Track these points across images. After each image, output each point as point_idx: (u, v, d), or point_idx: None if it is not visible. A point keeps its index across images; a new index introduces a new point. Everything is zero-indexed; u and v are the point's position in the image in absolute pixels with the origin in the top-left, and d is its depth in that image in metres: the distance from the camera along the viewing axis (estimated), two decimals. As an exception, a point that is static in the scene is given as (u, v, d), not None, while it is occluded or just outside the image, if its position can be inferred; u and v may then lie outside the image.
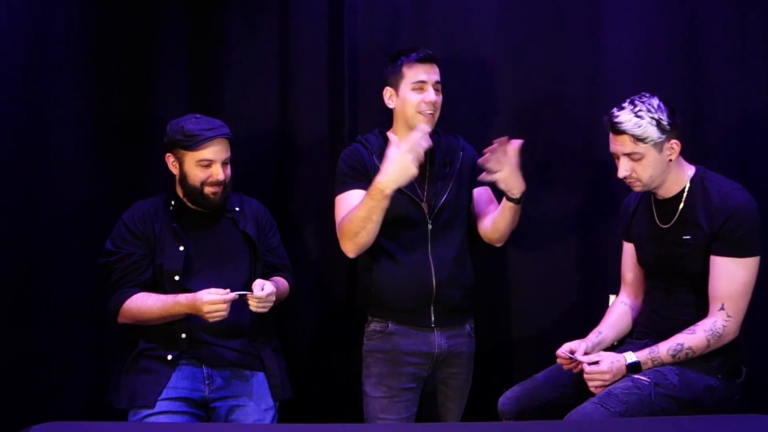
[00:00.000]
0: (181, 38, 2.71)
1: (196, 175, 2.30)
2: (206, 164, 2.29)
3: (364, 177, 2.34)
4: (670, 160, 2.11)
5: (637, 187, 2.15)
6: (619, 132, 2.08)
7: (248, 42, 2.72)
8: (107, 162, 2.66)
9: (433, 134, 2.43)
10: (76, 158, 2.61)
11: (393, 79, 2.37)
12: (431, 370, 2.38)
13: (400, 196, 2.30)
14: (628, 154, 2.09)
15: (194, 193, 2.31)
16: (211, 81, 2.73)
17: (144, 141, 2.69)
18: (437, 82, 2.35)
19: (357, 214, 2.21)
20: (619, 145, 2.10)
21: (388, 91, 2.38)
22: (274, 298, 2.25)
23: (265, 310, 2.22)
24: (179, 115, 2.40)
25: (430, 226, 2.33)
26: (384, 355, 2.35)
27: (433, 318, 2.34)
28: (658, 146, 2.08)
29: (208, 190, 2.30)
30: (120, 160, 2.68)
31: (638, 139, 2.07)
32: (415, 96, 2.33)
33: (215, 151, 2.29)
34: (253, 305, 2.20)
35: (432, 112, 2.34)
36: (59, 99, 2.56)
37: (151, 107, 2.70)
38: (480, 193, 2.44)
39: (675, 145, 2.10)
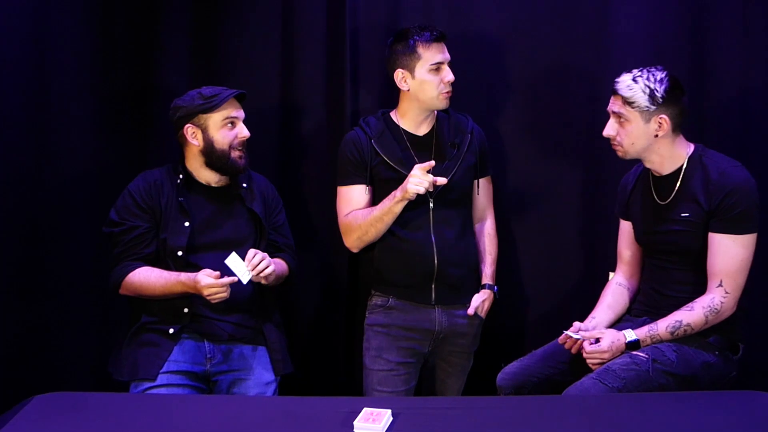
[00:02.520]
0: (185, 13, 2.70)
1: (224, 137, 2.29)
2: (231, 122, 2.30)
3: (363, 167, 2.36)
4: (656, 136, 2.11)
5: (618, 152, 2.18)
6: (614, 91, 2.13)
7: (250, 18, 2.71)
8: (112, 133, 2.67)
9: (443, 113, 2.43)
10: (81, 130, 2.61)
11: (406, 60, 2.31)
12: (432, 346, 2.40)
13: (400, 180, 2.31)
14: (616, 114, 2.13)
15: (222, 159, 2.30)
16: (214, 56, 2.73)
17: (148, 112, 2.70)
18: (450, 60, 2.33)
19: (371, 215, 2.29)
20: (612, 103, 2.15)
21: (400, 73, 2.33)
22: (267, 263, 2.21)
23: (264, 273, 2.20)
24: (180, 86, 2.39)
25: (431, 205, 2.33)
26: (383, 329, 2.38)
27: (434, 295, 2.35)
28: (645, 116, 2.09)
29: (235, 154, 2.31)
30: (124, 131, 2.69)
31: (626, 101, 2.10)
32: (433, 78, 2.30)
33: (237, 108, 2.32)
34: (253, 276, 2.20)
35: (450, 91, 2.34)
36: (64, 71, 2.56)
37: (153, 80, 2.70)
38: (480, 185, 2.45)
39: (663, 121, 2.10)
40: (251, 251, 2.21)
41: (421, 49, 2.30)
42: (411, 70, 2.32)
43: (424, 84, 2.32)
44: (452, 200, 2.36)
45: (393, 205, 2.26)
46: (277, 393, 2.34)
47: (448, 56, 2.33)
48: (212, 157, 2.31)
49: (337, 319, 2.72)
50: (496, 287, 2.45)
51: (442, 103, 2.35)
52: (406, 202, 2.25)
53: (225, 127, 2.29)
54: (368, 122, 2.42)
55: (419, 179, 2.20)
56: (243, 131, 2.32)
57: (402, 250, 2.34)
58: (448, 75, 2.31)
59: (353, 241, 2.36)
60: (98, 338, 2.63)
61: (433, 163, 2.24)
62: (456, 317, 2.39)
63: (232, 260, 2.18)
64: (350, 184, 2.38)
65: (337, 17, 2.66)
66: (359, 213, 2.33)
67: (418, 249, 2.33)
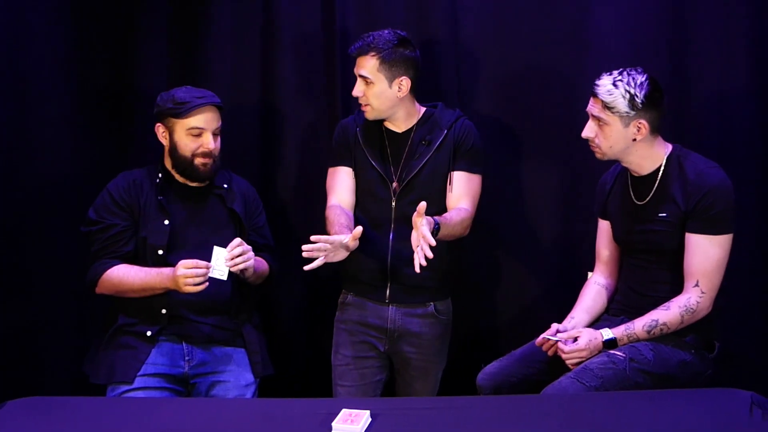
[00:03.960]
0: (164, 10, 2.69)
1: (186, 144, 2.28)
2: (197, 133, 2.28)
3: (348, 152, 2.39)
4: (635, 140, 2.13)
5: (597, 153, 2.19)
6: (594, 94, 2.13)
7: (232, 14, 2.70)
8: (90, 133, 2.65)
9: (432, 108, 2.44)
10: (59, 130, 2.60)
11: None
12: (389, 344, 2.40)
13: (371, 171, 2.34)
14: (596, 117, 2.14)
15: (184, 164, 2.30)
16: (194, 56, 2.72)
17: (126, 112, 2.68)
18: (361, 76, 2.31)
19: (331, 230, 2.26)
20: (591, 105, 2.16)
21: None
22: (248, 253, 2.19)
23: (241, 263, 2.17)
24: (160, 85, 2.38)
25: (393, 204, 2.34)
26: (342, 325, 2.43)
27: (388, 293, 2.37)
28: (624, 120, 2.11)
29: (198, 161, 2.29)
30: (102, 131, 2.68)
31: (606, 105, 2.11)
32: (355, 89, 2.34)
33: (206, 119, 2.29)
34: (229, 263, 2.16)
35: (362, 104, 2.34)
36: (41, 71, 2.55)
37: (132, 79, 2.69)
38: (452, 179, 2.39)
39: (642, 125, 2.11)
40: (237, 240, 2.19)
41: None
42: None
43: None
44: (416, 198, 2.31)
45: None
46: (256, 395, 2.33)
47: (359, 70, 2.31)
48: (176, 160, 2.32)
49: (317, 320, 2.72)
50: (438, 222, 2.15)
51: (368, 115, 2.36)
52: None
53: (189, 135, 2.28)
54: (359, 111, 2.44)
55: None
56: (208, 143, 2.28)
57: (361, 247, 2.32)
58: (355, 90, 2.32)
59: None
60: (77, 340, 2.61)
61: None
62: (412, 316, 2.39)
63: (217, 252, 2.15)
64: (337, 165, 2.41)
65: (317, 20, 2.66)
66: (330, 216, 2.30)
67: (375, 247, 2.34)
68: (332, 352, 2.45)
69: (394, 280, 2.35)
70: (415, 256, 2.06)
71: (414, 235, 2.10)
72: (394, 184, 2.36)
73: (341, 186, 2.39)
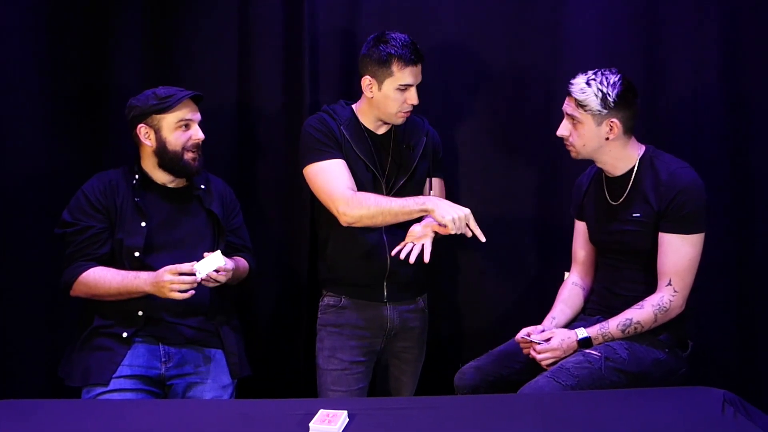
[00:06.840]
0: (138, 9, 2.66)
1: (177, 139, 2.27)
2: (185, 124, 2.27)
3: (339, 146, 2.30)
4: (608, 139, 2.16)
5: (572, 152, 2.23)
6: (569, 92, 2.17)
7: (207, 14, 2.69)
8: (64, 133, 2.62)
9: None
10: (32, 130, 2.56)
11: (377, 70, 2.26)
12: (384, 343, 2.42)
13: (365, 172, 2.32)
14: (570, 116, 2.18)
15: (174, 160, 2.27)
16: (169, 56, 2.70)
17: (100, 112, 2.65)
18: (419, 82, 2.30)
19: (388, 206, 2.19)
20: (567, 104, 2.19)
21: (368, 80, 2.29)
22: (226, 275, 2.20)
23: (211, 282, 2.18)
24: (135, 85, 2.36)
25: None
26: (337, 329, 2.38)
27: (386, 293, 2.37)
28: (597, 119, 2.14)
29: (188, 156, 2.28)
30: (76, 131, 2.65)
31: (579, 103, 2.14)
32: (399, 96, 2.27)
33: (191, 111, 2.29)
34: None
35: (410, 111, 2.32)
36: (13, 70, 2.50)
37: (108, 79, 2.65)
38: (432, 185, 2.44)
39: (614, 125, 2.15)
40: (230, 265, 2.19)
41: (395, 67, 2.25)
42: (380, 82, 2.28)
43: (389, 100, 2.29)
44: None
45: (415, 210, 2.18)
46: (234, 396, 2.32)
47: (419, 78, 2.29)
48: (165, 158, 2.28)
49: (296, 321, 2.72)
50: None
51: (397, 121, 2.34)
52: (424, 214, 2.19)
53: (179, 129, 2.27)
54: (334, 110, 2.38)
55: (461, 218, 2.14)
56: (197, 134, 2.30)
57: (356, 250, 2.34)
58: (412, 98, 2.28)
59: (355, 216, 2.19)
60: (50, 342, 2.58)
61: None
62: (407, 313, 2.41)
63: (214, 257, 2.14)
64: (329, 159, 2.27)
65: (294, 20, 2.65)
66: (371, 195, 2.24)
67: (372, 249, 2.33)
68: (322, 357, 2.39)
69: (391, 279, 2.36)
70: (410, 251, 2.15)
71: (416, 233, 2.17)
72: (383, 186, 2.34)
73: (345, 176, 2.25)
